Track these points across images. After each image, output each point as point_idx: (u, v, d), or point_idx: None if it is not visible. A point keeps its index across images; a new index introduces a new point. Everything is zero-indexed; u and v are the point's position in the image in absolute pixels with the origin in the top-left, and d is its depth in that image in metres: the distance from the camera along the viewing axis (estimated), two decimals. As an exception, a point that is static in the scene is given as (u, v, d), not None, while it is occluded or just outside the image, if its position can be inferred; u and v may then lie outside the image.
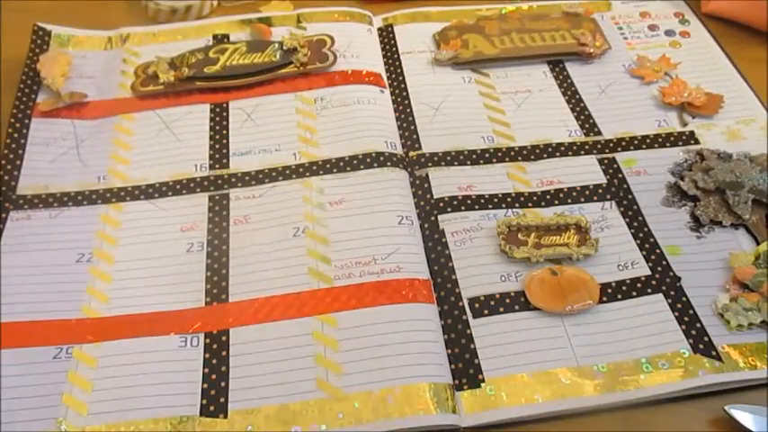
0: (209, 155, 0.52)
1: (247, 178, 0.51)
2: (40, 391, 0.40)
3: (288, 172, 0.51)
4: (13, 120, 0.54)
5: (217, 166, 0.52)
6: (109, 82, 0.58)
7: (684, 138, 0.54)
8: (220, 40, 0.61)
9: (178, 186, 0.50)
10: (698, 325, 0.43)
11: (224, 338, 0.42)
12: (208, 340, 0.42)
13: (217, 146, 0.53)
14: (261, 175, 0.51)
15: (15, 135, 0.53)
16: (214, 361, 0.41)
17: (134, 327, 0.43)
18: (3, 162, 0.51)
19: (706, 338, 0.42)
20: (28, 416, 0.39)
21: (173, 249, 0.47)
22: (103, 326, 0.43)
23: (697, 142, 0.54)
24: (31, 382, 0.41)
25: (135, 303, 0.44)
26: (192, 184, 0.50)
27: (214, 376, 0.41)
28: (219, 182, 0.50)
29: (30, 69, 0.58)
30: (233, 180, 0.51)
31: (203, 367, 0.41)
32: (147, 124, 0.55)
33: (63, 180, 0.51)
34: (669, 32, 0.63)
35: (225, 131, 0.54)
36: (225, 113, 0.55)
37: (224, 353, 0.42)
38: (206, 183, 0.50)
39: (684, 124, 0.55)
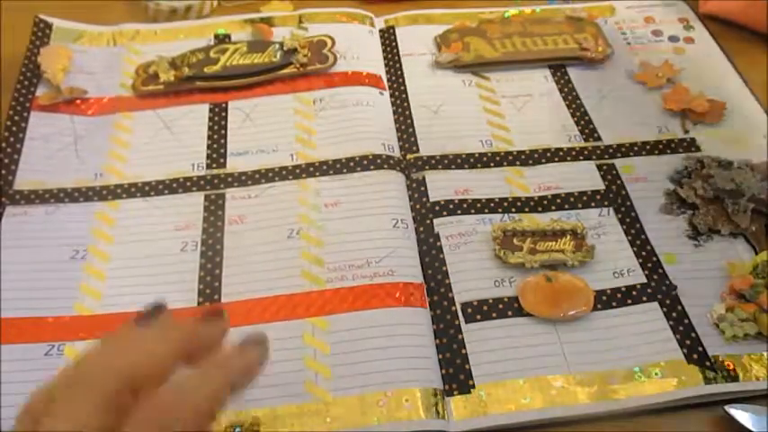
0: (206, 154, 0.52)
1: (244, 178, 0.51)
2: (30, 388, 0.40)
3: (284, 173, 0.51)
4: (11, 112, 0.54)
5: (214, 165, 0.52)
6: (109, 79, 0.57)
7: (685, 144, 0.54)
8: (222, 39, 0.61)
9: (174, 185, 0.50)
10: (692, 335, 0.42)
11: (215, 339, 0.42)
12: (199, 340, 0.42)
13: (214, 145, 0.53)
14: (257, 176, 0.51)
15: (14, 128, 0.53)
16: (204, 361, 0.41)
17: (126, 325, 0.43)
18: (1, 156, 0.51)
19: (700, 348, 0.42)
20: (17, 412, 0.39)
21: (167, 248, 0.47)
22: (96, 324, 0.43)
23: (698, 149, 0.54)
24: (21, 378, 0.40)
25: (128, 302, 0.44)
26: (188, 183, 0.50)
27: (204, 377, 0.41)
28: (216, 181, 0.50)
29: (30, 62, 0.57)
30: (229, 180, 0.50)
31: (193, 367, 0.41)
32: (146, 123, 0.55)
33: (60, 176, 0.51)
34: (673, 38, 0.63)
35: (223, 131, 0.54)
36: (224, 113, 0.55)
37: (214, 354, 0.41)
38: (202, 182, 0.50)
39: (686, 131, 0.55)
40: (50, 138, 0.53)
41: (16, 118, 0.54)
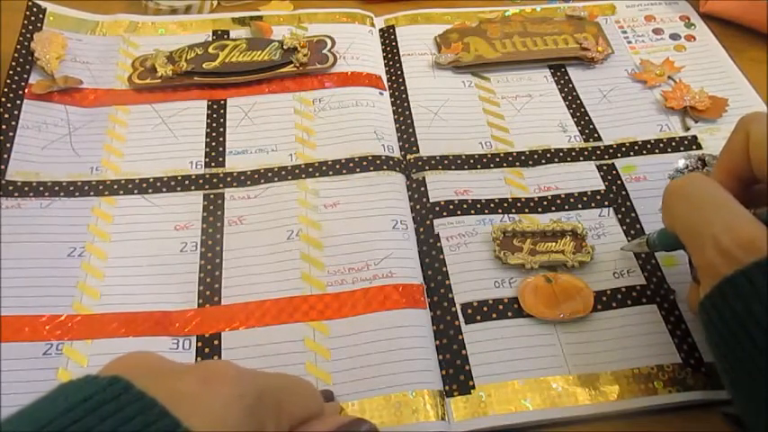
0: (204, 152, 0.52)
1: (243, 178, 0.50)
2: (29, 388, 0.40)
3: (283, 173, 0.50)
4: (4, 99, 0.52)
5: (212, 164, 0.51)
6: (105, 71, 0.57)
7: (686, 142, 0.54)
8: (220, 36, 0.60)
9: (173, 183, 0.50)
10: (689, 339, 0.42)
11: (216, 342, 0.42)
12: (200, 343, 0.42)
13: (213, 143, 0.53)
14: (257, 176, 0.50)
15: (6, 116, 0.52)
16: (205, 365, 0.41)
17: (126, 326, 0.43)
18: None
19: (697, 354, 0.42)
20: (17, 413, 0.39)
21: (166, 248, 0.46)
22: (94, 323, 0.43)
23: (699, 147, 0.53)
24: (20, 378, 0.40)
25: (127, 302, 0.44)
26: (187, 182, 0.50)
27: (204, 380, 0.40)
28: (215, 180, 0.50)
29: (23, 47, 0.56)
30: (228, 179, 0.50)
31: (194, 371, 0.41)
32: (142, 117, 0.54)
33: (55, 168, 0.50)
34: (674, 36, 0.63)
35: (222, 129, 0.53)
36: (222, 111, 0.55)
37: (215, 357, 0.41)
38: (201, 181, 0.50)
39: (687, 128, 0.55)
40: (44, 128, 0.52)
41: (9, 105, 0.52)
